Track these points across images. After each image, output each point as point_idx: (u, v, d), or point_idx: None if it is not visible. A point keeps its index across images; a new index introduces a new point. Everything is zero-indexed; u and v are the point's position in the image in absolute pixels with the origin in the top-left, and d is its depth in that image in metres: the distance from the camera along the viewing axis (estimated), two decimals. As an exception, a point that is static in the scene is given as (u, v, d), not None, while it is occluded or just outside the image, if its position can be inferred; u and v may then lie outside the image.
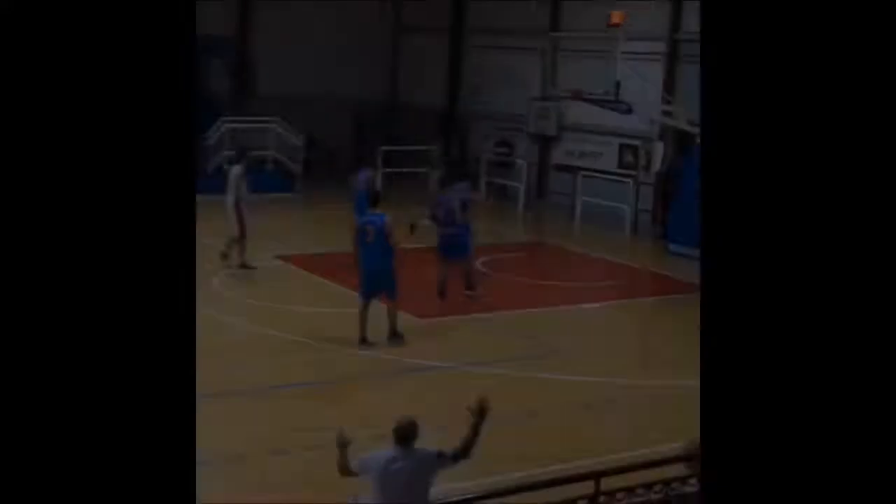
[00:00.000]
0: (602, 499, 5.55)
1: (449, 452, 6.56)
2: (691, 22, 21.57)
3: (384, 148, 25.00)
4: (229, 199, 15.38)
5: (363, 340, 12.09)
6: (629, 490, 5.61)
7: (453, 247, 14.47)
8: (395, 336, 12.33)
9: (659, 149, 22.28)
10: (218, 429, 8.43)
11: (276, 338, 12.27)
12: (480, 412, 6.57)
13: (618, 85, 18.03)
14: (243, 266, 15.71)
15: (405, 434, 6.47)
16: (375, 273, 12.19)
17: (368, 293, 12.31)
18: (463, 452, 6.60)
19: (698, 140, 18.94)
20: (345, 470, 6.64)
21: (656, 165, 22.25)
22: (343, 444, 6.64)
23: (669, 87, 21.54)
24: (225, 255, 15.49)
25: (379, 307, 12.32)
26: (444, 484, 7.12)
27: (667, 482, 5.70)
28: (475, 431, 6.55)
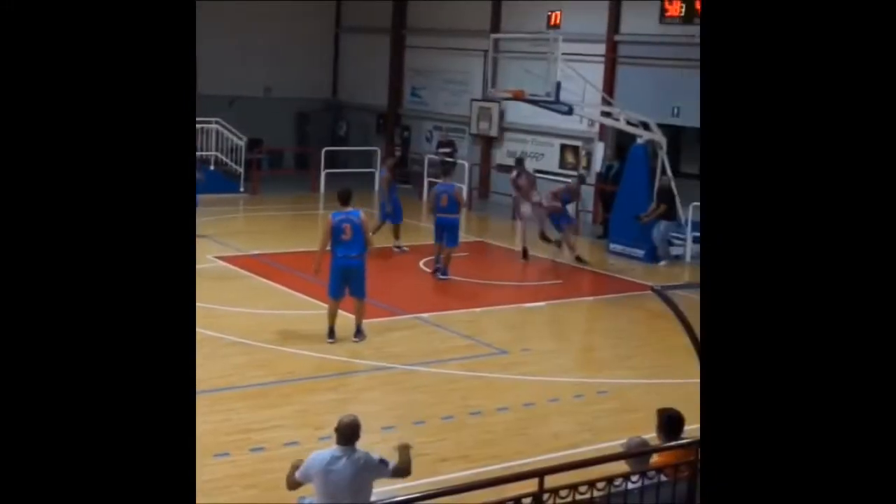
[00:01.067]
0: (546, 496, 5.60)
1: (390, 464, 6.68)
2: (630, 24, 21.82)
3: (327, 148, 24.93)
4: None
5: (331, 333, 12.29)
6: (572, 487, 5.67)
7: (449, 231, 16.03)
8: (359, 333, 12.44)
9: (599, 149, 22.51)
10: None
11: (218, 339, 12.19)
12: (405, 447, 6.86)
13: (558, 86, 18.16)
14: None
15: (347, 433, 6.59)
16: (349, 270, 12.23)
17: (340, 291, 12.34)
18: (401, 472, 6.76)
19: (638, 140, 19.16)
20: (292, 485, 6.84)
21: (596, 166, 22.48)
22: (296, 467, 6.77)
23: (609, 88, 21.75)
24: None
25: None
26: (388, 485, 7.15)
27: (610, 479, 5.78)
28: (406, 461, 6.80)
